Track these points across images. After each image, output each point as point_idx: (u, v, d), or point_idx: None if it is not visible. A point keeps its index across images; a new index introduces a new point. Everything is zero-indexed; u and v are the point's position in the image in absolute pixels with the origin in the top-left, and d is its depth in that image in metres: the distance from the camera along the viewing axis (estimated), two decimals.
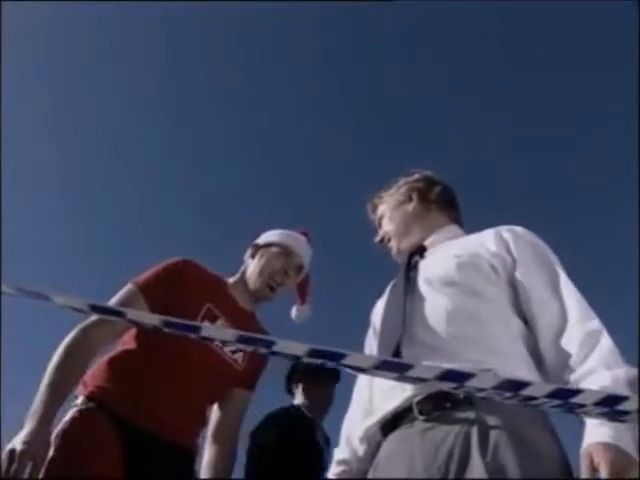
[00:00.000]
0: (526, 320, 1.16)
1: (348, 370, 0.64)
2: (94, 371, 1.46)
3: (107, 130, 5.76)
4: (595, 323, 1.06)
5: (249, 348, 0.76)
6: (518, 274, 1.18)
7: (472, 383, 0.65)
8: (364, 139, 6.01)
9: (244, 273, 1.70)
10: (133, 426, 1.38)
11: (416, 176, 1.56)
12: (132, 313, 0.98)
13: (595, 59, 5.14)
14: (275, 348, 0.69)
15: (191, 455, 1.53)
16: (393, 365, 0.64)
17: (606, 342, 1.02)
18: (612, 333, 1.06)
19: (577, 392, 0.63)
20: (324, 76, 5.91)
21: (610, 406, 0.63)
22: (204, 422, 1.61)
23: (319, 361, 0.65)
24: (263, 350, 0.73)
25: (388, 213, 1.54)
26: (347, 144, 6.02)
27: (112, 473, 1.30)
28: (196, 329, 0.80)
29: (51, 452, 1.25)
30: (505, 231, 1.27)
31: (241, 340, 0.74)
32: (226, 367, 1.54)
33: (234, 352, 1.55)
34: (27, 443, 1.17)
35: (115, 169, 6.04)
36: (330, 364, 0.65)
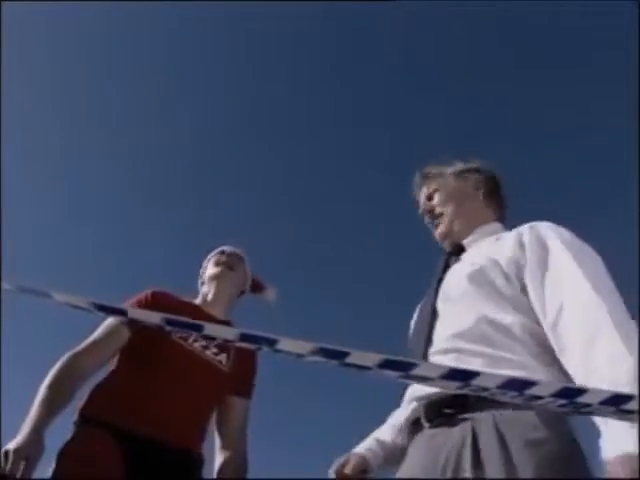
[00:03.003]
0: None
1: (353, 369, 0.64)
2: (89, 394, 1.55)
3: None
4: (598, 322, 0.95)
5: (251, 346, 0.75)
6: (527, 279, 1.12)
7: (476, 382, 0.65)
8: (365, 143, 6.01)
9: (203, 295, 1.91)
10: (135, 436, 1.43)
11: (486, 170, 1.53)
12: (134, 312, 0.98)
13: (594, 58, 5.14)
14: (278, 346, 0.68)
15: (195, 461, 1.58)
16: (398, 364, 0.63)
17: (602, 345, 0.92)
18: None
19: (583, 391, 0.63)
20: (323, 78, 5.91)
21: (616, 405, 0.63)
22: (205, 427, 1.68)
23: (323, 360, 0.64)
24: (266, 348, 0.72)
25: (445, 191, 1.49)
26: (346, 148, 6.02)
27: None
28: (198, 327, 0.79)
29: (53, 471, 1.36)
30: (527, 231, 1.20)
31: (243, 338, 0.73)
32: (211, 367, 1.67)
33: (216, 354, 1.69)
34: (20, 443, 1.29)
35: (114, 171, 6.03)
36: (334, 363, 0.65)
